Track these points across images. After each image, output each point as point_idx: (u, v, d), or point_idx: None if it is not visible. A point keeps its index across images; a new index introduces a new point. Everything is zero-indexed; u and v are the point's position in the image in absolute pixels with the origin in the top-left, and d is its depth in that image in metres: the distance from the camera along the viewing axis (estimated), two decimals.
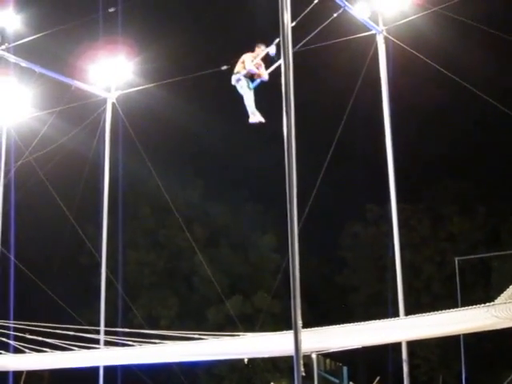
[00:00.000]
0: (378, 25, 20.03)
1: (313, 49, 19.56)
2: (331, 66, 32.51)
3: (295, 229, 11.29)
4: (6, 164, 24.09)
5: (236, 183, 45.39)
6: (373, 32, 20.10)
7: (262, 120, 16.80)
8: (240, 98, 16.87)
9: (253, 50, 16.91)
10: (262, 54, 16.58)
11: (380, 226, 41.88)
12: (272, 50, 16.45)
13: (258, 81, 16.78)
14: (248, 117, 16.84)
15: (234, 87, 16.99)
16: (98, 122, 24.04)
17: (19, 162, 24.15)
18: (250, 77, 16.82)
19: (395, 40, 19.91)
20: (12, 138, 24.16)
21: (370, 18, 19.87)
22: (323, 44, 20.38)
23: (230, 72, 17.40)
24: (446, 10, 19.15)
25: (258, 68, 16.73)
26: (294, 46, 12.53)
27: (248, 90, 16.63)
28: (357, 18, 19.60)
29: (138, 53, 24.00)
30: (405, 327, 15.44)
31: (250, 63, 16.57)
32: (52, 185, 24.38)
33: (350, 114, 20.01)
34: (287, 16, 12.38)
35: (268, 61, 16.90)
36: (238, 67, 16.86)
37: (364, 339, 16.03)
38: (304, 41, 18.09)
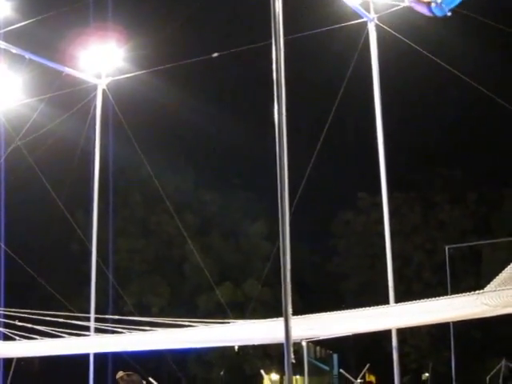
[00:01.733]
0: (369, 12, 19.99)
1: (304, 36, 19.52)
2: (322, 54, 32.47)
3: (286, 216, 11.28)
4: None
5: (227, 171, 45.43)
6: (364, 20, 20.06)
7: None
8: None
9: None
10: None
11: (371, 214, 41.95)
12: None
13: None
14: None
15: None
16: (89, 109, 23.94)
17: (10, 148, 24.07)
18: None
19: (386, 28, 19.87)
20: (1, 125, 24.07)
21: (361, 6, 19.82)
22: (314, 31, 20.34)
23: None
24: None
25: None
26: (285, 32, 12.48)
27: None
28: (348, 6, 19.54)
29: (129, 39, 23.89)
30: (395, 315, 15.47)
31: None
32: (42, 171, 24.30)
33: (341, 102, 19.98)
34: (278, 3, 12.34)
35: None
36: None
37: (354, 327, 16.05)
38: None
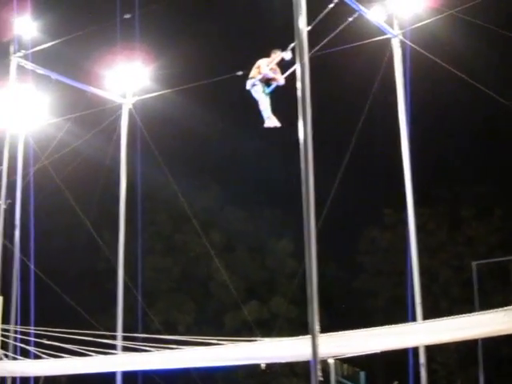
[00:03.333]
0: (393, 28, 19.98)
1: (328, 53, 19.55)
2: (347, 71, 32.46)
3: (312, 234, 11.27)
4: (24, 170, 24.26)
5: (253, 188, 45.38)
6: (388, 36, 20.05)
7: (278, 124, 16.80)
8: (255, 102, 16.89)
9: (268, 56, 16.98)
10: (278, 59, 16.65)
11: (397, 231, 41.73)
12: (287, 55, 16.41)
13: (274, 85, 16.81)
14: (263, 122, 16.87)
15: (249, 92, 17.00)
16: (115, 128, 24.09)
17: (36, 167, 24.24)
18: (266, 82, 16.87)
19: (411, 44, 19.84)
20: (29, 145, 24.30)
21: (385, 22, 19.82)
22: (338, 48, 20.35)
23: (246, 77, 17.41)
24: (461, 13, 19.08)
25: (273, 73, 16.78)
26: (309, 50, 12.51)
27: (263, 94, 16.67)
28: (372, 22, 19.55)
29: (155, 58, 24.03)
30: (423, 332, 15.37)
31: (266, 68, 16.62)
32: (69, 191, 24.45)
33: (366, 118, 19.97)
34: (302, 20, 12.39)
35: (283, 66, 16.92)
36: (253, 72, 16.92)
37: (382, 344, 15.96)
38: (319, 45, 17.98)
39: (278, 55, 16.60)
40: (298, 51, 12.14)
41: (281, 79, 16.59)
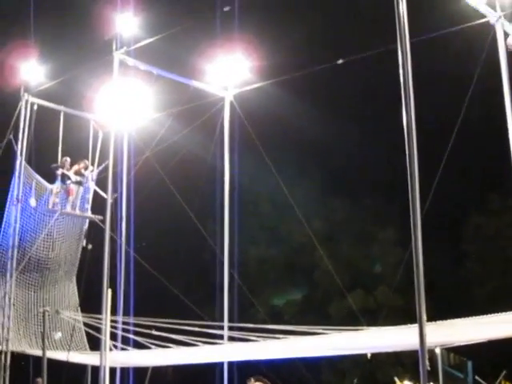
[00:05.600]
0: (495, 11, 19.50)
1: (429, 38, 19.29)
2: (448, 55, 31.96)
3: (418, 222, 11.14)
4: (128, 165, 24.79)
5: (354, 177, 45.13)
6: (490, 19, 19.57)
7: None
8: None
9: None
10: None
11: (503, 217, 40.97)
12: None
13: None
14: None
15: None
16: (216, 121, 24.29)
17: (142, 158, 24.67)
18: None
19: None
20: (132, 141, 24.79)
21: (486, 4, 19.35)
22: (439, 33, 20.04)
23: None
24: None
25: None
26: (410, 35, 12.37)
27: None
28: (470, 5, 19.10)
29: (255, 49, 24.07)
30: None
31: None
32: (172, 184, 24.79)
33: (470, 102, 19.59)
34: (403, 6, 12.27)
35: None
36: None
37: (490, 333, 15.73)
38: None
39: None
40: (399, 36, 12.01)
41: None
